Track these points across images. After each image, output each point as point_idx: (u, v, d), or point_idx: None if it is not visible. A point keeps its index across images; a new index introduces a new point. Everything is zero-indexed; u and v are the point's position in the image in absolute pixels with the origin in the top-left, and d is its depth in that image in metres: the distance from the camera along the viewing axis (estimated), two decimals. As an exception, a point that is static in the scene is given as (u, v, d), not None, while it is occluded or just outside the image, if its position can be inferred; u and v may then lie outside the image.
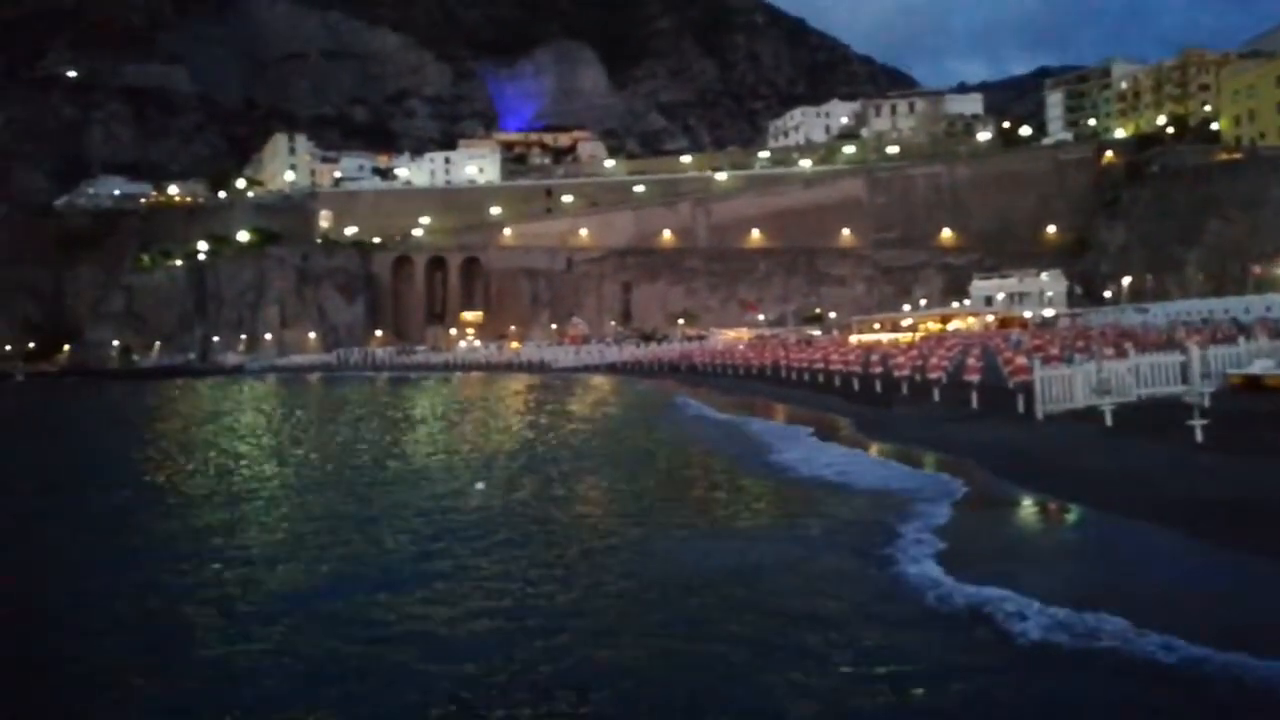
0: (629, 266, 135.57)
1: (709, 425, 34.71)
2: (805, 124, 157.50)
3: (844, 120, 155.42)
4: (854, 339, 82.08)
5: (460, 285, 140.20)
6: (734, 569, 12.89)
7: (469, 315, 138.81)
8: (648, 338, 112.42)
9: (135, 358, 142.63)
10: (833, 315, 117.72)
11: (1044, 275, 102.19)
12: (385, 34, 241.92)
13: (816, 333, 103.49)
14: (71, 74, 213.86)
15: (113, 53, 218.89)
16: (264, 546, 16.38)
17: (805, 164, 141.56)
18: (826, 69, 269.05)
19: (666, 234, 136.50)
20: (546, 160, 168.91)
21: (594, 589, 12.43)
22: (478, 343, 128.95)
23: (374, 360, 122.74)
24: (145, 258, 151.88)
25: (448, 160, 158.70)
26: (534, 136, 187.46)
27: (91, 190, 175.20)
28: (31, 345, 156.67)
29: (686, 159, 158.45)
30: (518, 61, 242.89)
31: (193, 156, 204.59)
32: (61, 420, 61.10)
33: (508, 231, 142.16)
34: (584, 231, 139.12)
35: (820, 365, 46.25)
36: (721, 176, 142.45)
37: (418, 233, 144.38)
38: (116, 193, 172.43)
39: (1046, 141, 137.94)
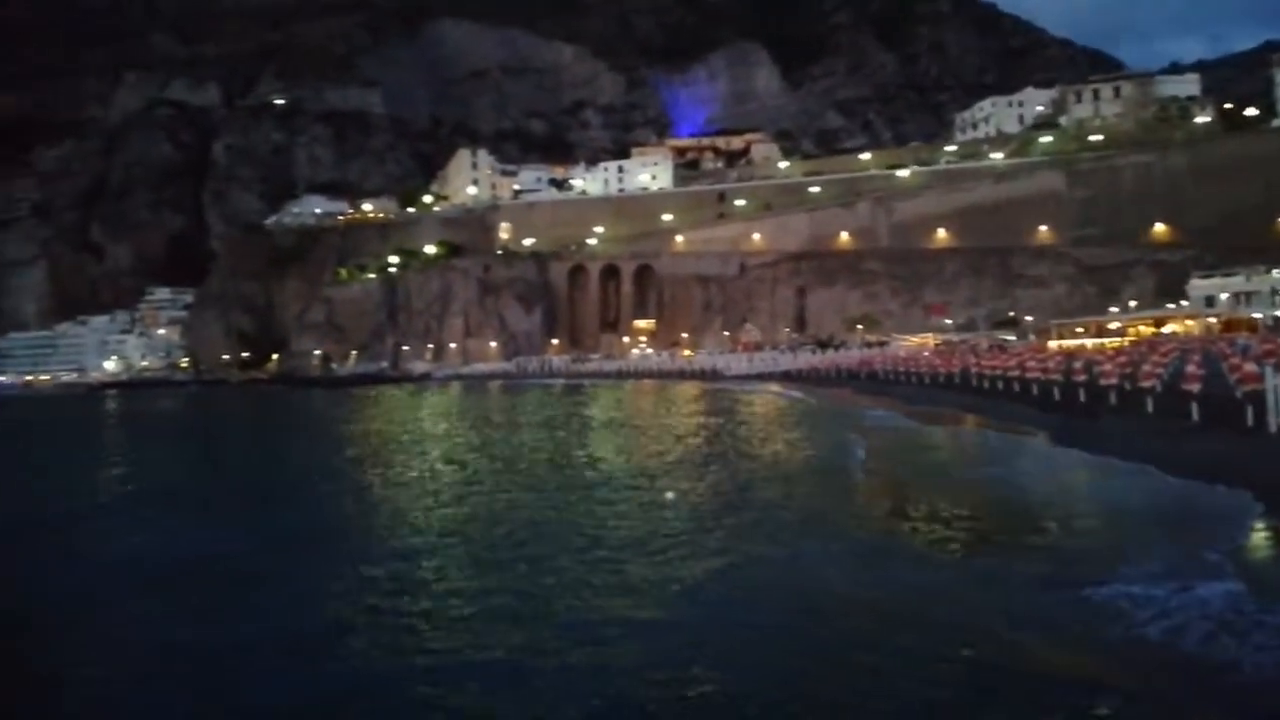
0: (804, 270, 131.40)
1: (905, 433, 32.16)
2: (996, 115, 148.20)
3: (1039, 109, 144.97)
4: (1053, 344, 75.32)
5: (633, 293, 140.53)
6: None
7: (641, 323, 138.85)
8: (824, 344, 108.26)
9: (334, 365, 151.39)
10: (1028, 319, 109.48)
11: (1275, 272, 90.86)
12: (560, 47, 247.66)
13: (1010, 338, 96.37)
14: (279, 101, 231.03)
15: (315, 80, 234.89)
16: (476, 545, 17.91)
17: (996, 157, 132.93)
18: (1019, 55, 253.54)
19: (844, 236, 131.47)
20: (719, 165, 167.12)
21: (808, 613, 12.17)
22: (650, 350, 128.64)
23: (551, 368, 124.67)
24: (343, 271, 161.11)
25: (621, 169, 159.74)
26: (706, 141, 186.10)
27: (297, 209, 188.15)
28: (245, 354, 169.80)
29: (865, 156, 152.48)
30: (690, 67, 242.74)
31: (385, 175, 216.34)
32: (284, 425, 64.58)
33: (680, 238, 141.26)
34: (757, 236, 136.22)
35: (1016, 373, 42.39)
36: (904, 173, 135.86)
37: (592, 242, 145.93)
38: (318, 211, 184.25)
39: (1277, 123, 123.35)
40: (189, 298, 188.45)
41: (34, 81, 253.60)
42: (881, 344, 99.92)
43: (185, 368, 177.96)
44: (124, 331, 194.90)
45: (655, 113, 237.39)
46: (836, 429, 37.76)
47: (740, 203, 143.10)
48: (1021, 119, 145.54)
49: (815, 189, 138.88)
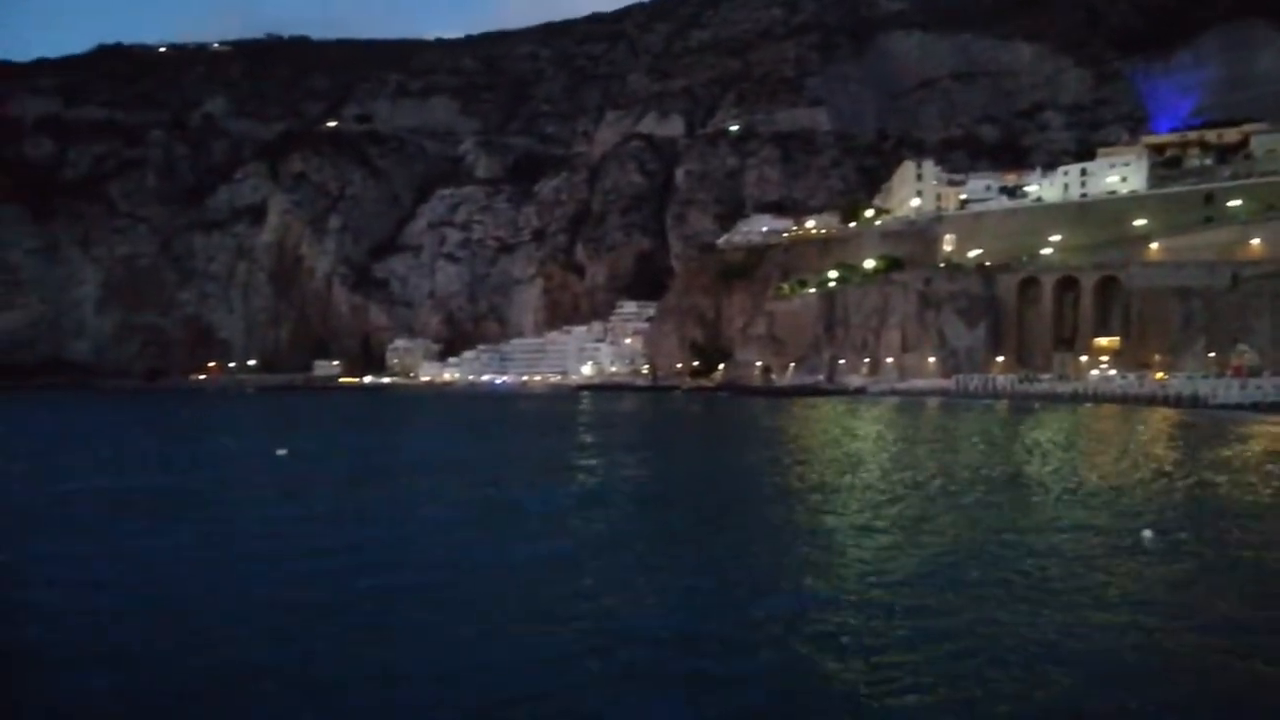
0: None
1: None
2: None
3: None
4: None
5: (1094, 307, 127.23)
6: None
7: (1103, 341, 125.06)
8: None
9: (773, 376, 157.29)
10: None
11: None
12: (1019, 47, 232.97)
13: None
14: (734, 127, 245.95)
15: (767, 104, 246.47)
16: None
17: None
18: None
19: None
20: (1207, 161, 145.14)
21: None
22: (1113, 371, 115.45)
23: (994, 387, 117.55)
24: (785, 286, 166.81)
25: (1084, 172, 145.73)
26: (1192, 135, 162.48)
27: (745, 228, 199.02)
28: (695, 363, 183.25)
29: None
30: (1174, 53, 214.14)
31: (828, 191, 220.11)
32: (736, 431, 69.33)
33: (1154, 245, 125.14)
34: (1255, 241, 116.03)
35: None
36: None
37: (1046, 252, 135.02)
38: (765, 229, 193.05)
39: None
40: (651, 311, 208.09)
41: (541, 122, 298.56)
42: None
43: (645, 374, 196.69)
44: (598, 340, 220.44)
45: (1128, 108, 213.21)
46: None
47: (1234, 204, 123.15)
48: None
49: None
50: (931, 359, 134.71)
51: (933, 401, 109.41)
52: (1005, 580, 17.66)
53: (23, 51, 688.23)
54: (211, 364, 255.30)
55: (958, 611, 15.43)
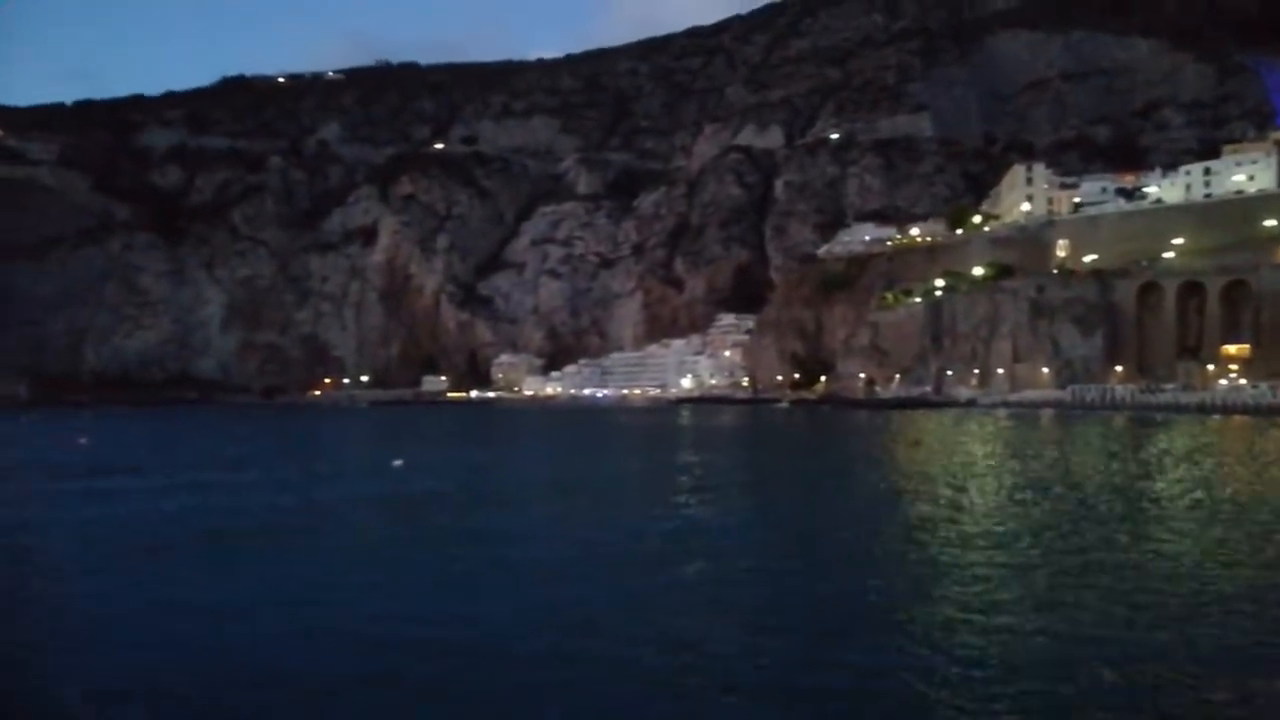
0: None
1: None
2: None
3: None
4: None
5: (1221, 313, 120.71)
6: None
7: (1232, 349, 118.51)
8: None
9: (877, 389, 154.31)
10: None
11: None
12: (1134, 43, 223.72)
13: None
14: (834, 136, 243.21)
15: (868, 112, 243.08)
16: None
17: None
18: None
19: None
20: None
21: None
22: (1243, 381, 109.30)
23: (1112, 398, 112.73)
24: (889, 296, 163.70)
25: (1208, 170, 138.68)
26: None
27: (846, 238, 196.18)
28: (796, 375, 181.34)
29: None
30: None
31: (933, 198, 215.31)
32: (843, 447, 68.57)
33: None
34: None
35: None
36: None
37: (1168, 255, 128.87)
38: (866, 238, 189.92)
39: None
40: (750, 323, 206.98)
41: (640, 138, 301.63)
42: None
43: (745, 386, 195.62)
44: (696, 353, 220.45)
45: (1255, 102, 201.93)
46: None
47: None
48: None
49: None
50: (1045, 369, 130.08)
51: (1047, 414, 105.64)
52: (1139, 604, 17.01)
53: (154, 85, 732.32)
54: (326, 380, 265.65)
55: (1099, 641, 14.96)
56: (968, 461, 47.57)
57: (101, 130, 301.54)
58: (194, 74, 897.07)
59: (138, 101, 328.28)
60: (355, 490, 40.37)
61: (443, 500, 35.69)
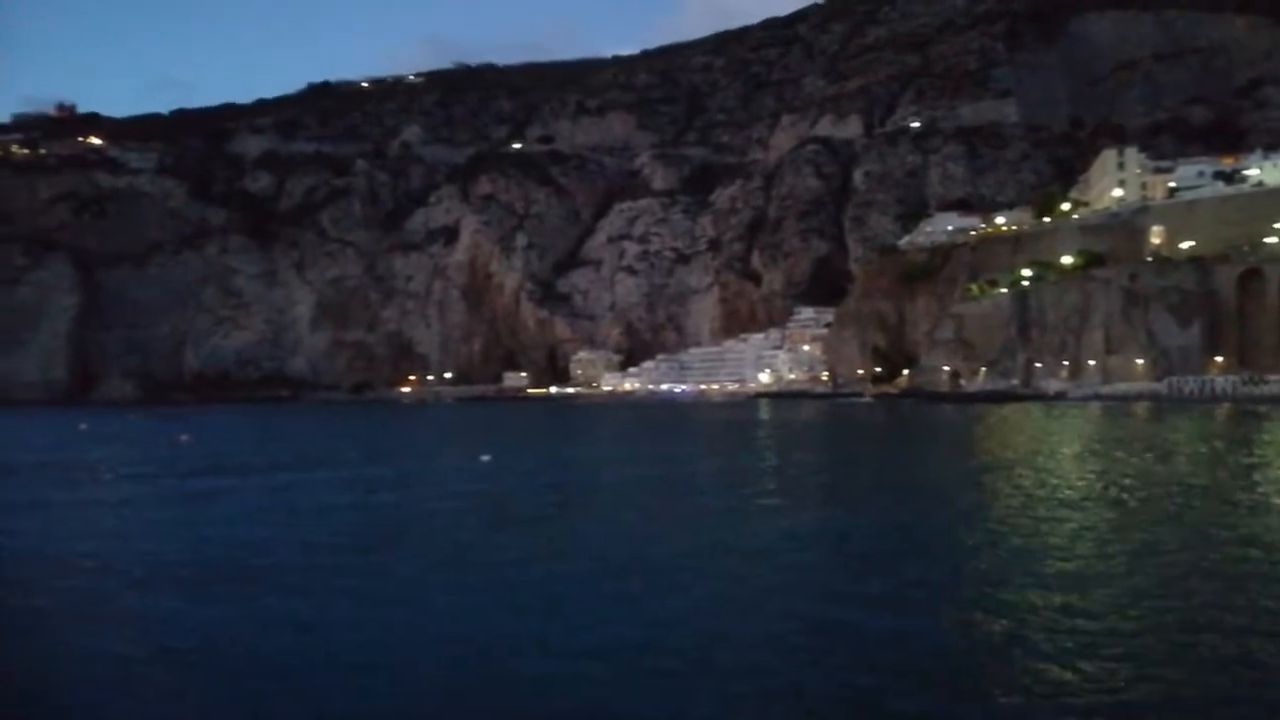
0: None
1: None
2: None
3: None
4: None
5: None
6: None
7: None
8: None
9: (962, 382, 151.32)
10: None
11: None
12: (1230, 20, 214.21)
13: None
14: (915, 124, 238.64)
15: (950, 98, 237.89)
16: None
17: None
18: None
19: None
20: None
21: None
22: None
23: (1212, 390, 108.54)
24: (974, 287, 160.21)
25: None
26: None
27: (929, 228, 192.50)
28: (878, 370, 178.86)
29: None
30: None
31: (1019, 185, 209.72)
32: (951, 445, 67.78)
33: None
34: None
35: None
36: None
37: (1271, 241, 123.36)
38: (950, 228, 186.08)
39: None
40: (829, 317, 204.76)
41: (717, 132, 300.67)
42: None
43: (824, 381, 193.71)
44: (775, 348, 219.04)
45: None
46: None
47: None
48: None
49: None
50: (1139, 360, 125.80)
51: (1142, 407, 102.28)
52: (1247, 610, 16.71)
53: (244, 93, 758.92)
54: (411, 377, 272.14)
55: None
56: (1065, 457, 46.60)
57: (196, 138, 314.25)
58: (282, 82, 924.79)
59: (230, 110, 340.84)
60: (451, 487, 41.65)
61: (538, 499, 36.61)
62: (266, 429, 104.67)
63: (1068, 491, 32.17)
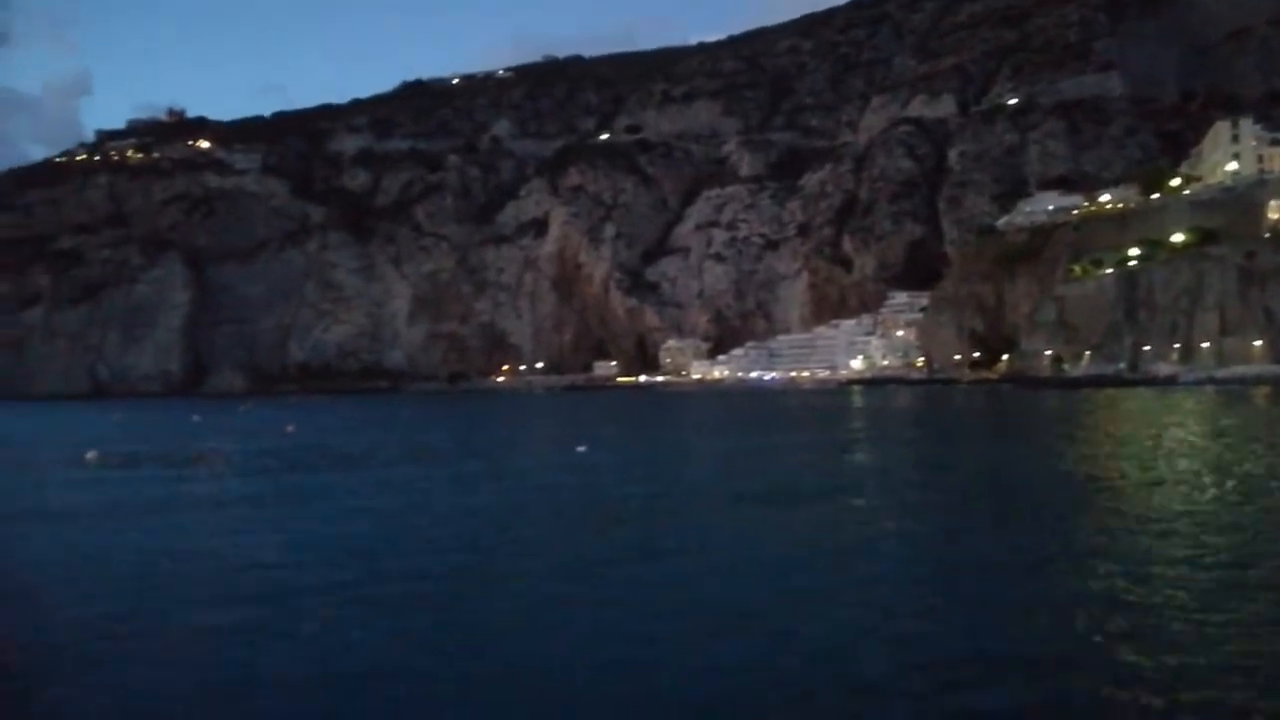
0: None
1: None
2: None
3: None
4: None
5: None
6: None
7: None
8: None
9: (1065, 366, 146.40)
10: None
11: None
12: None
13: None
14: (1012, 101, 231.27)
15: (1049, 73, 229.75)
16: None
17: None
18: None
19: None
20: None
21: None
22: None
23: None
24: (1076, 268, 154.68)
25: None
26: None
27: (1028, 208, 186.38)
28: (976, 354, 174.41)
29: None
30: None
31: (1125, 161, 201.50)
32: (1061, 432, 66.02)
33: None
34: None
35: None
36: None
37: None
38: (1050, 207, 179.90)
39: None
40: (924, 301, 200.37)
41: (804, 115, 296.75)
42: None
43: (920, 366, 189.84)
44: (867, 334, 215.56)
45: None
46: None
47: None
48: None
49: None
50: (1257, 342, 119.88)
51: (1261, 390, 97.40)
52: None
53: (341, 94, 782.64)
54: (504, 367, 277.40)
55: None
56: (1194, 448, 44.82)
57: (297, 138, 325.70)
58: (376, 81, 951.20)
59: (327, 110, 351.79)
60: (549, 480, 42.49)
61: (638, 494, 37.03)
62: (371, 419, 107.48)
63: (1230, 496, 29.31)
